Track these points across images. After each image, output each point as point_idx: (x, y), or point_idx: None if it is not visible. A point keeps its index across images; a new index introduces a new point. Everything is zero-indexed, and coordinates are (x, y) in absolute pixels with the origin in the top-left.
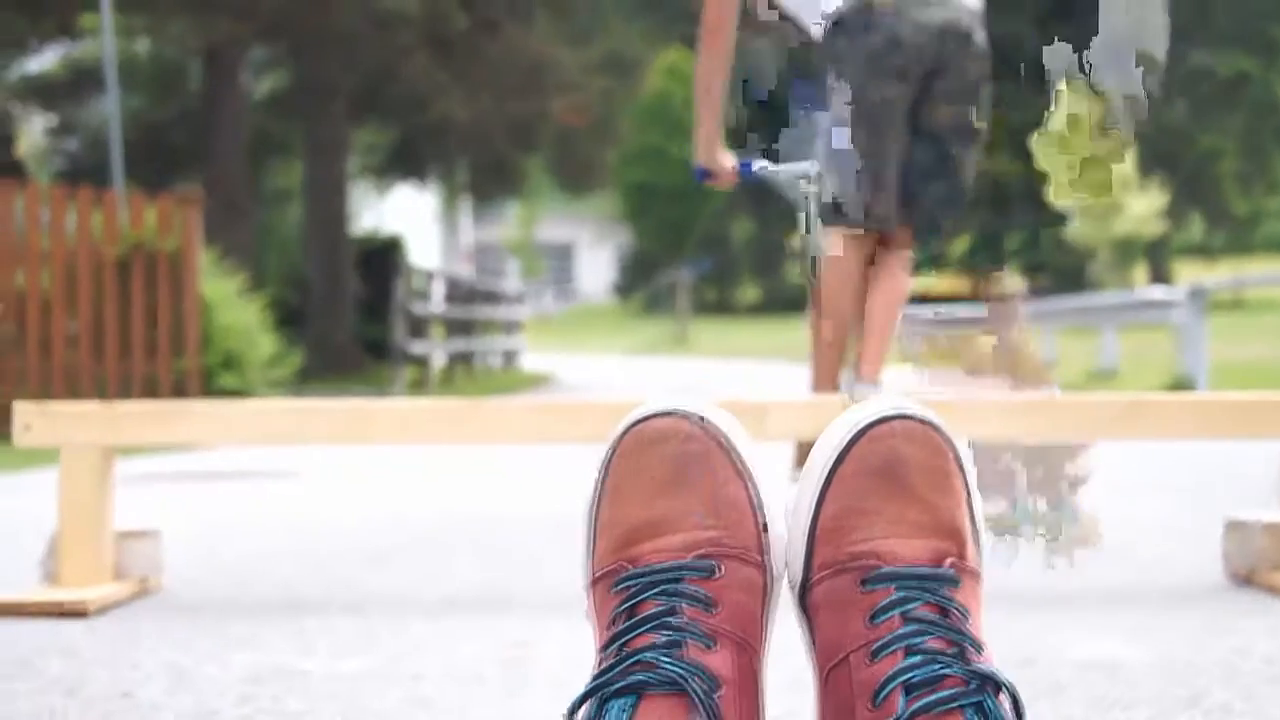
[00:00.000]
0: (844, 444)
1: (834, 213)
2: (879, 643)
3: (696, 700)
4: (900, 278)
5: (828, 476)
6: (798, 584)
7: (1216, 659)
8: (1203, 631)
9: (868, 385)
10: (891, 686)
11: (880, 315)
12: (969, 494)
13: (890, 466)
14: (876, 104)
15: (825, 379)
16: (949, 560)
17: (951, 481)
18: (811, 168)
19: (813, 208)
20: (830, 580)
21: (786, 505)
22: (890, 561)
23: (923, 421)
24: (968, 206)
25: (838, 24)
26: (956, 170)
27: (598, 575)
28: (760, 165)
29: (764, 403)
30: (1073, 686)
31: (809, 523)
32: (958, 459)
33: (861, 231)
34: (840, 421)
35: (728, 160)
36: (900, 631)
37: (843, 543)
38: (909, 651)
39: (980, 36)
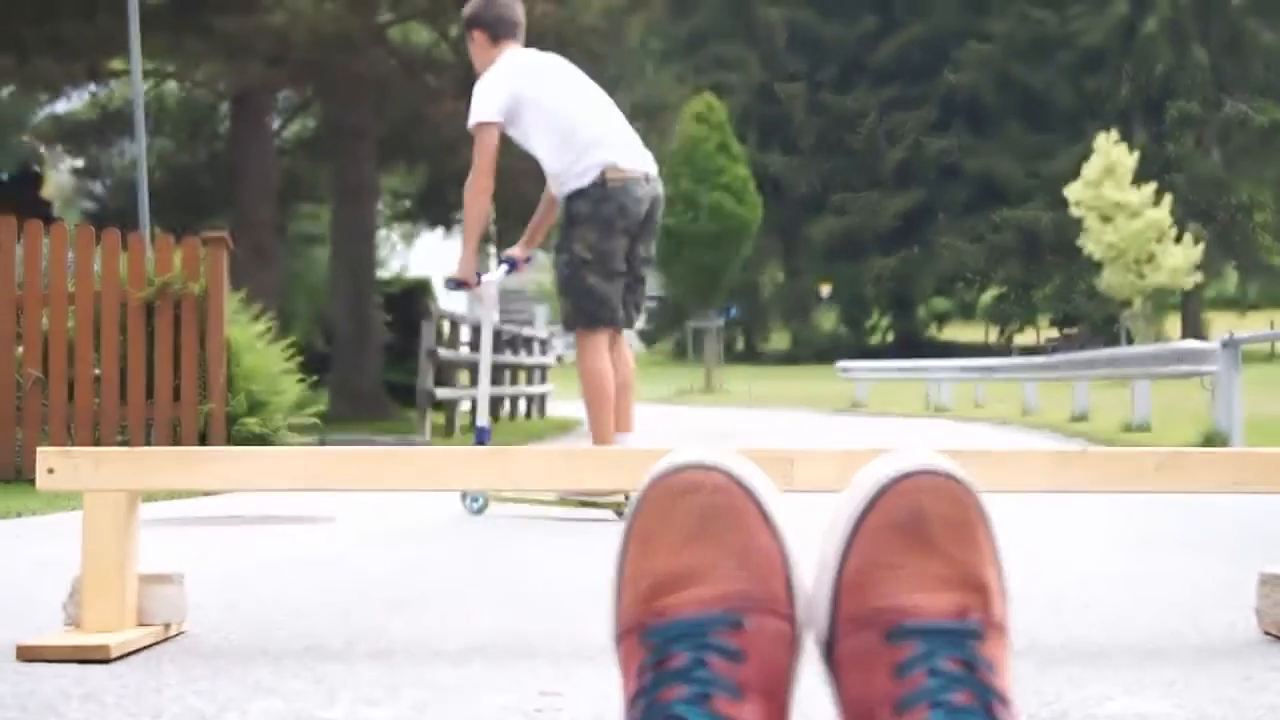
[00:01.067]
0: (869, 498)
1: (587, 319)
2: (904, 697)
3: None
4: (629, 354)
5: (852, 530)
6: (823, 639)
7: (1250, 715)
8: (1236, 688)
9: (627, 434)
10: None
11: (628, 382)
12: (993, 547)
13: (914, 520)
14: (611, 251)
15: (606, 434)
16: (974, 614)
17: (975, 535)
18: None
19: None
20: (855, 635)
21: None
22: (914, 616)
23: (947, 476)
24: (997, 256)
25: (580, 191)
26: (644, 285)
27: (626, 628)
28: (489, 277)
29: (791, 452)
30: None
31: (834, 577)
32: (981, 512)
33: (608, 329)
34: (864, 475)
35: (474, 274)
36: (926, 685)
37: (867, 597)
38: (934, 706)
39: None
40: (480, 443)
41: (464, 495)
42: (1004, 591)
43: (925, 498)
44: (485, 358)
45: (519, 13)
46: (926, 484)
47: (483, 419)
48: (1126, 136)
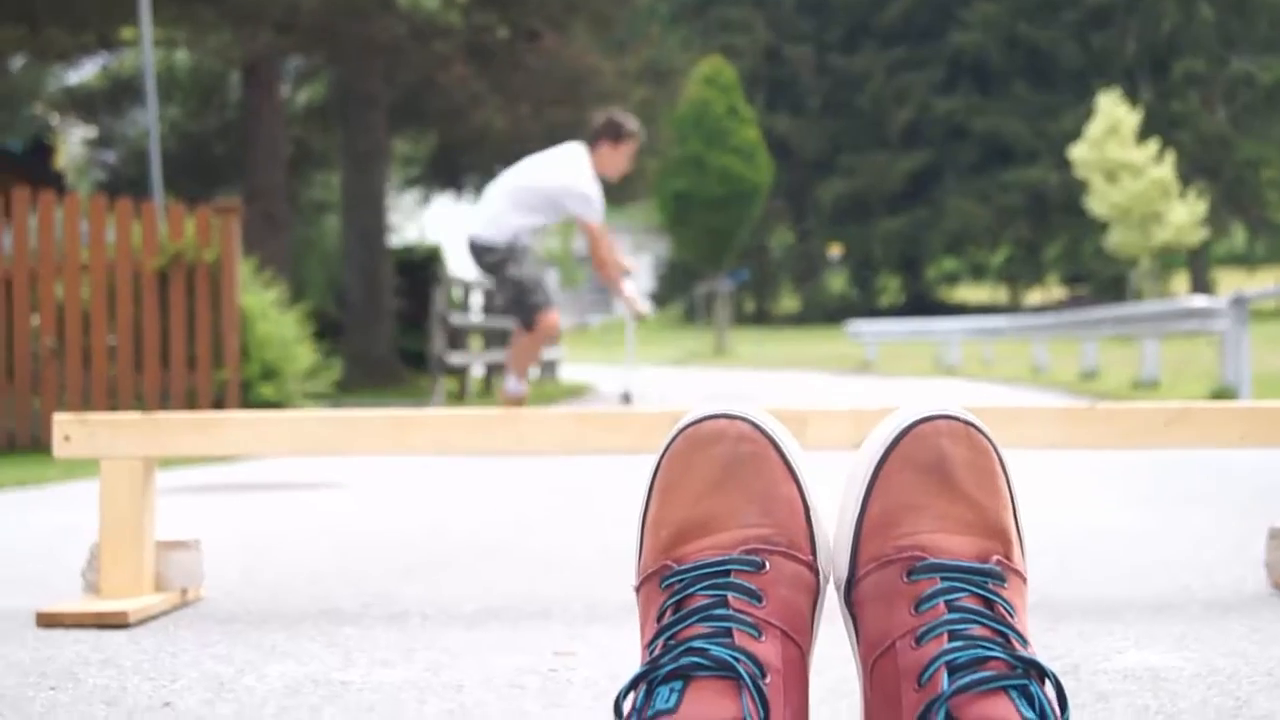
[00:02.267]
0: (890, 440)
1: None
2: (924, 628)
3: (746, 683)
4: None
5: (874, 473)
6: (844, 580)
7: (1260, 669)
8: (1245, 641)
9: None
10: (935, 666)
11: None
12: (1012, 496)
13: (937, 463)
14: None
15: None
16: (995, 557)
17: (997, 482)
18: None
19: None
20: (876, 573)
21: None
22: (936, 554)
23: (967, 423)
24: (1005, 216)
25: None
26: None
27: (646, 574)
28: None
29: (804, 411)
30: (1115, 696)
31: (855, 518)
32: (1001, 461)
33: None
34: (886, 421)
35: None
36: (946, 618)
37: (889, 536)
38: (953, 636)
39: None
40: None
41: None
42: (1022, 540)
43: (946, 441)
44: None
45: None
46: (946, 428)
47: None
48: (1132, 95)
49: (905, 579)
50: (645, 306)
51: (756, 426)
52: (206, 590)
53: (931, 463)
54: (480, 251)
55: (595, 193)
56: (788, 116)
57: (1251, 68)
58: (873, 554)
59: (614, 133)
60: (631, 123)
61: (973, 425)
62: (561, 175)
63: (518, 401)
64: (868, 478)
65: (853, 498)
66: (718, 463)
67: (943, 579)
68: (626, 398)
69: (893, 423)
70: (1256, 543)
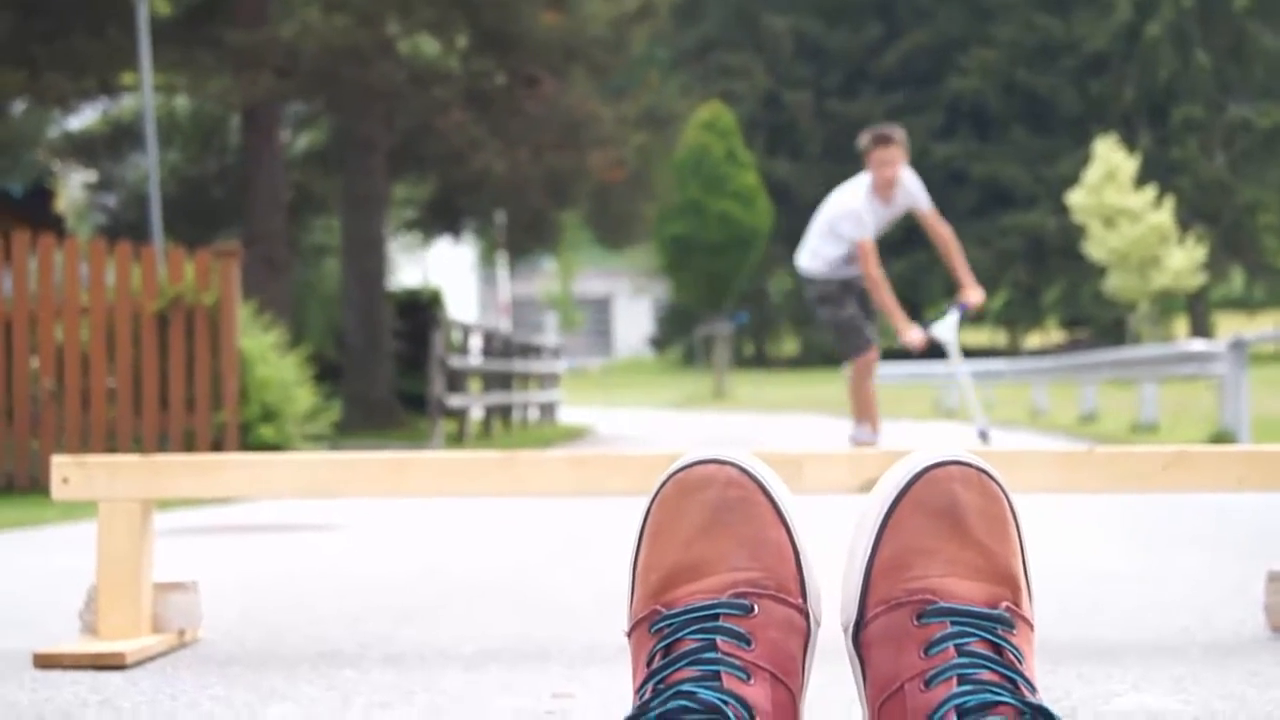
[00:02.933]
0: (903, 485)
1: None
2: (933, 671)
3: None
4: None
5: (886, 516)
6: (852, 622)
7: (1259, 712)
8: (1244, 685)
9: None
10: (944, 710)
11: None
12: (1022, 543)
13: (949, 509)
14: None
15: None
16: (1004, 604)
17: (1008, 529)
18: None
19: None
20: (886, 615)
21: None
22: (947, 599)
23: (979, 469)
24: (1005, 260)
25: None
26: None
27: (638, 619)
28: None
29: (800, 455)
30: None
31: (866, 561)
32: (1012, 508)
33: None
34: (898, 465)
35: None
36: (955, 661)
37: (900, 579)
38: (962, 680)
39: None
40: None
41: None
42: (1030, 588)
43: (959, 488)
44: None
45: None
46: (959, 474)
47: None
48: (1131, 141)
49: (915, 622)
50: (916, 337)
51: (745, 471)
52: (204, 632)
53: (943, 508)
54: (804, 284)
55: (860, 210)
56: (787, 161)
57: (1249, 113)
58: (883, 596)
59: (861, 148)
60: (867, 134)
61: (985, 472)
62: (834, 199)
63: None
64: (879, 521)
65: (864, 540)
66: (706, 508)
67: (953, 623)
68: (984, 436)
69: (906, 467)
70: (1255, 586)
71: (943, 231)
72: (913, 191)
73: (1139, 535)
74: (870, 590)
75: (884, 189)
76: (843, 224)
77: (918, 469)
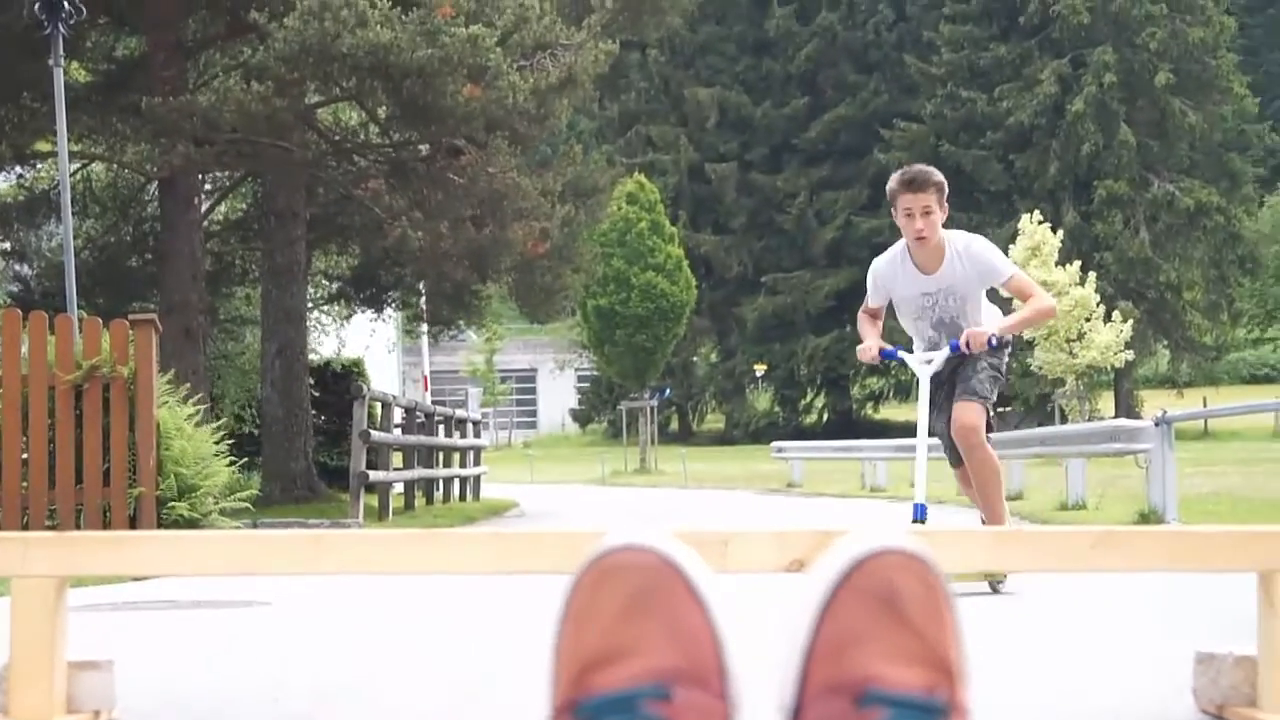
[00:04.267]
0: (843, 571)
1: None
2: None
3: None
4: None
5: (825, 602)
6: (789, 706)
7: None
8: None
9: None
10: None
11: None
12: (958, 629)
13: (888, 596)
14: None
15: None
16: (940, 692)
17: (943, 615)
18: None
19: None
20: (824, 701)
21: (780, 629)
22: (886, 685)
23: (918, 556)
24: None
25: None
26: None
27: (558, 707)
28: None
29: (726, 533)
30: None
31: (805, 645)
32: (948, 594)
33: None
34: (838, 549)
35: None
36: None
37: (839, 665)
38: None
39: None
40: (918, 519)
41: None
42: (966, 674)
43: (898, 575)
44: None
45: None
46: (899, 562)
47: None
48: (1055, 216)
49: (854, 707)
50: (869, 352)
51: (664, 557)
52: (119, 713)
53: (883, 595)
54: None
55: (879, 270)
56: (711, 234)
57: (1172, 190)
58: (820, 681)
59: (887, 195)
60: (894, 176)
61: (924, 559)
62: None
63: None
64: (818, 605)
65: (802, 624)
66: (625, 594)
67: (892, 710)
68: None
69: (846, 552)
70: (1184, 667)
71: (1038, 305)
72: (981, 258)
73: (1066, 615)
74: (808, 675)
75: (919, 251)
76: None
77: (858, 555)
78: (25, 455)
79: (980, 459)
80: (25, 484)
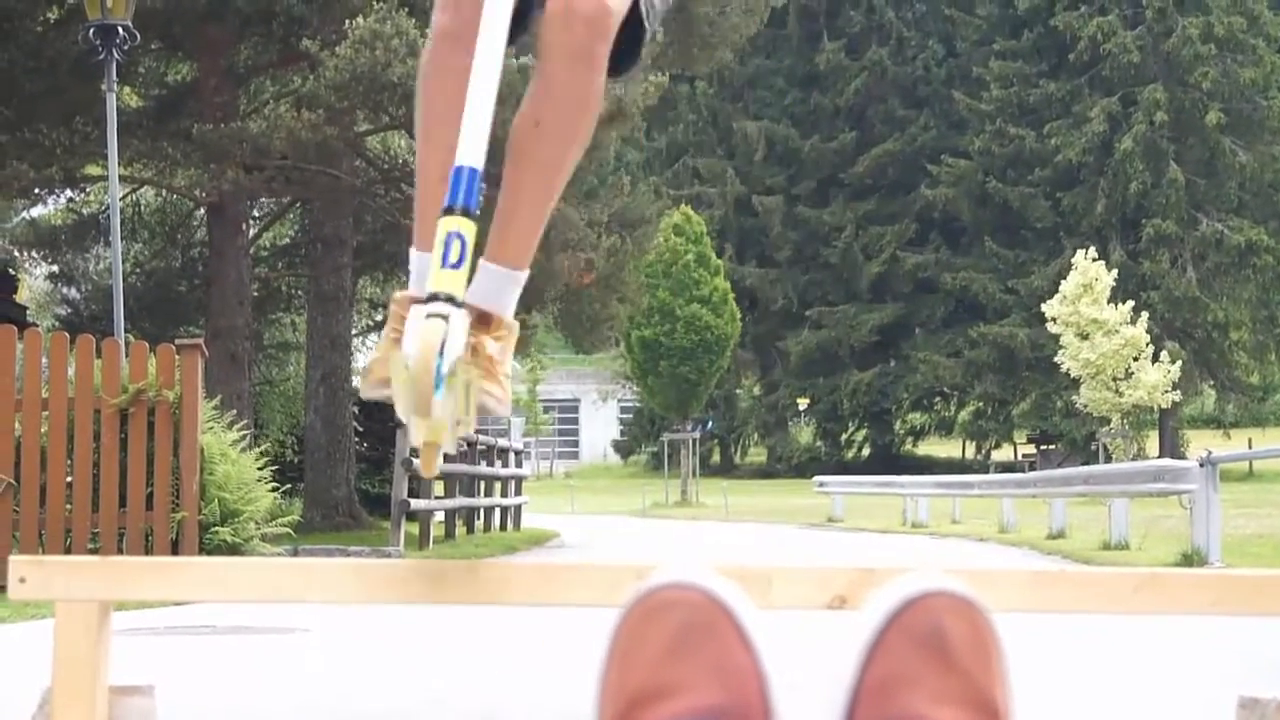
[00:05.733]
0: (891, 611)
1: None
2: None
3: None
4: None
5: (872, 642)
6: None
7: None
8: None
9: None
10: None
11: None
12: (1005, 672)
13: (936, 637)
14: None
15: None
16: None
17: (990, 658)
18: None
19: None
20: None
21: (826, 669)
22: None
23: (966, 598)
24: (974, 371)
25: None
26: None
27: None
28: None
29: (768, 569)
30: None
31: (852, 685)
32: (996, 637)
33: None
34: (887, 589)
35: None
36: None
37: (885, 706)
38: None
39: None
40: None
41: None
42: (1011, 717)
43: (946, 617)
44: None
45: None
46: (947, 604)
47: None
48: (1103, 254)
49: None
50: None
51: (708, 594)
52: None
53: (931, 636)
54: None
55: None
56: (757, 267)
57: (1221, 229)
58: None
59: None
60: None
61: (972, 601)
62: None
63: None
64: (866, 645)
65: (849, 664)
66: (671, 631)
67: None
68: None
69: (894, 593)
70: (1227, 713)
71: None
72: None
73: (1107, 657)
74: (854, 716)
75: None
76: None
77: (907, 596)
78: (69, 478)
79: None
80: (69, 507)
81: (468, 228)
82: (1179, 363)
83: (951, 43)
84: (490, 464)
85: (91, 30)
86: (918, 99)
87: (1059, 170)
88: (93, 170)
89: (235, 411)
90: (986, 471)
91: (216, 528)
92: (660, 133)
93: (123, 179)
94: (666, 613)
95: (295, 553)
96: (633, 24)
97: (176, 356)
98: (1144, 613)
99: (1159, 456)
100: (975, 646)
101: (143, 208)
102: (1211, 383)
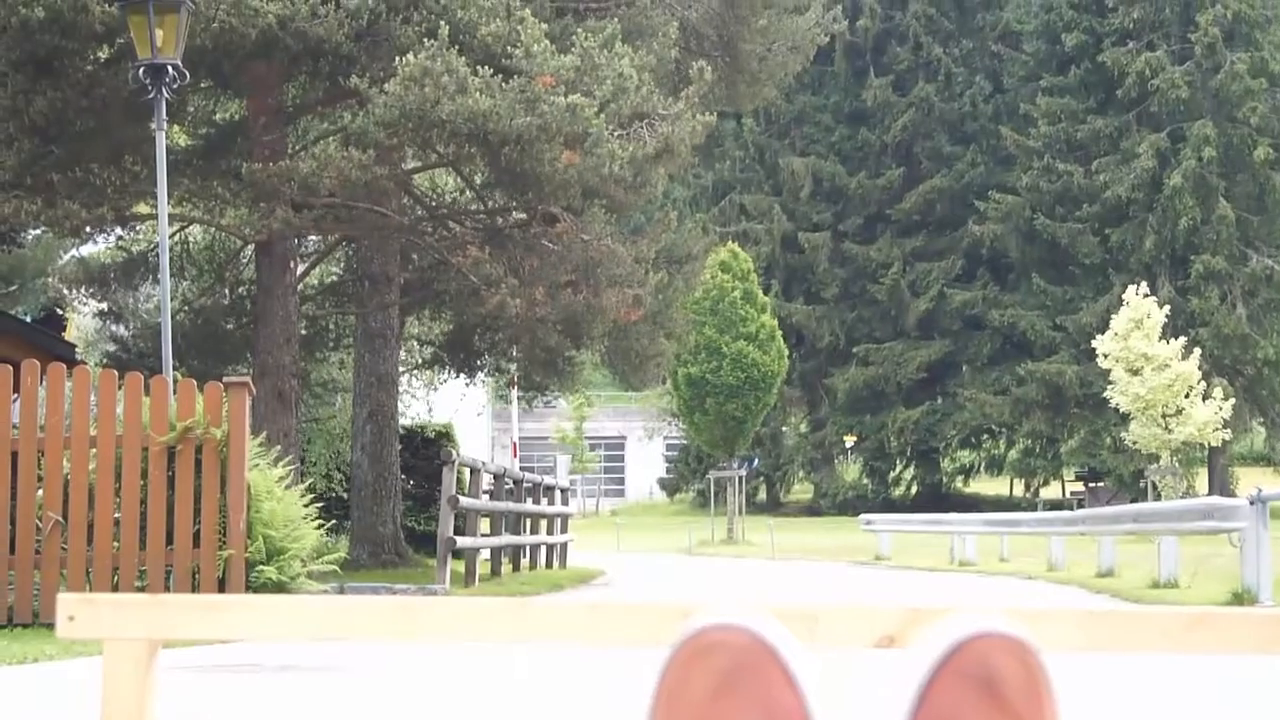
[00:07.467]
0: (944, 653)
1: None
2: None
3: None
4: None
5: (926, 682)
6: None
7: None
8: None
9: None
10: None
11: None
12: (1056, 714)
13: (989, 680)
14: None
15: None
16: None
17: (1043, 700)
18: None
19: None
20: None
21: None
22: None
23: (1019, 640)
24: (1022, 408)
25: None
26: None
27: None
28: None
29: (816, 608)
30: None
31: None
32: (1048, 679)
33: None
34: (939, 630)
35: None
36: None
37: None
38: None
39: None
40: None
41: None
42: None
43: (999, 658)
44: None
45: None
46: (1000, 645)
47: None
48: (1151, 290)
49: None
50: None
51: (754, 636)
52: None
53: (984, 679)
54: None
55: None
56: (803, 304)
57: (1271, 264)
58: None
59: None
60: None
61: (1025, 642)
62: None
63: None
64: (919, 687)
65: (900, 704)
66: (718, 672)
67: None
68: None
69: (946, 634)
70: None
71: None
72: None
73: (1158, 696)
74: None
75: None
76: None
77: (960, 638)
78: (117, 515)
79: None
80: (116, 544)
81: None
82: (1230, 400)
83: (998, 79)
84: (536, 501)
85: (141, 69)
86: (965, 135)
87: (1107, 206)
88: (142, 209)
89: (281, 449)
90: (1034, 509)
91: (262, 565)
92: (707, 169)
93: (172, 217)
94: (712, 654)
95: (341, 590)
96: None
97: (224, 394)
98: (1196, 652)
99: (1208, 494)
100: (1028, 688)
101: (191, 245)
102: (1261, 420)
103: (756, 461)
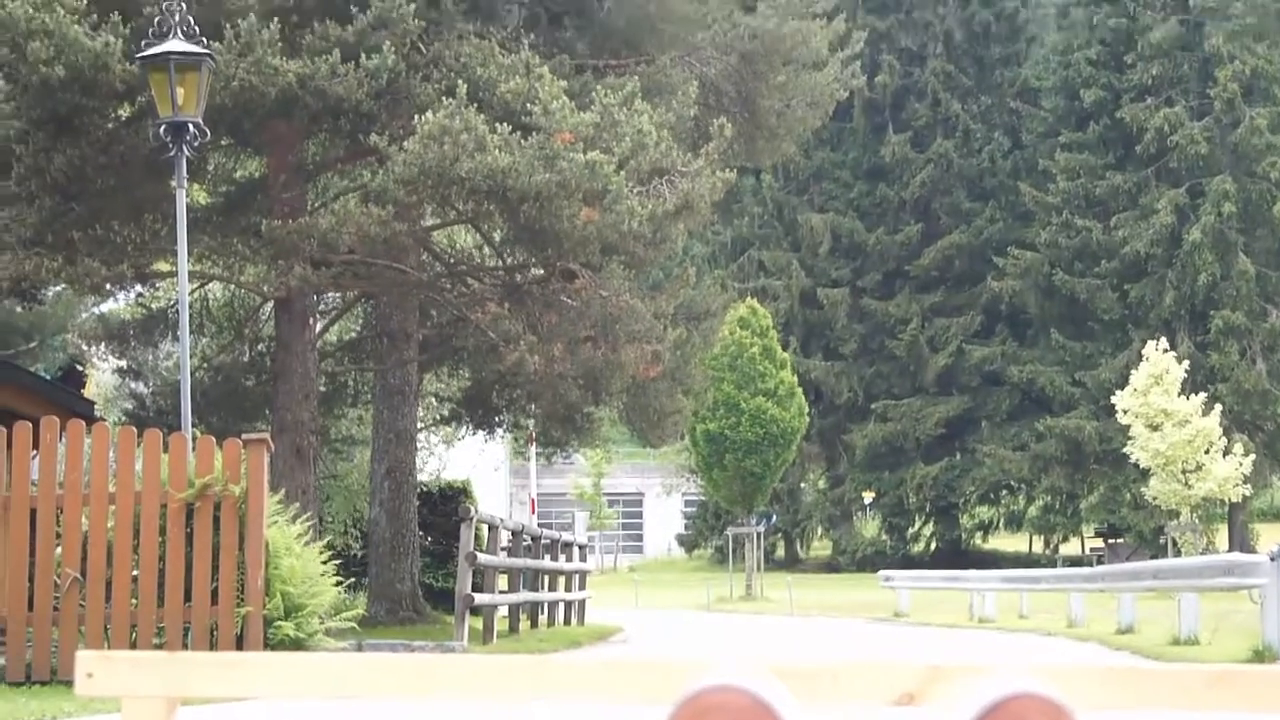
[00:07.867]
0: (981, 712)
1: None
2: None
3: None
4: None
5: None
6: None
7: None
8: None
9: None
10: None
11: None
12: None
13: None
14: None
15: None
16: None
17: None
18: None
19: None
20: None
21: None
22: None
23: (1051, 700)
24: (1041, 465)
25: None
26: None
27: None
28: None
29: (835, 665)
30: None
31: None
32: None
33: None
34: (976, 691)
35: None
36: None
37: None
38: None
39: None
40: None
41: None
42: None
43: (1032, 717)
44: None
45: None
46: (1033, 706)
47: None
48: (1171, 345)
49: None
50: None
51: (756, 697)
52: None
53: None
54: None
55: None
56: (822, 360)
57: None
58: None
59: None
60: None
61: (1058, 705)
62: None
63: None
64: None
65: None
66: None
67: None
68: None
69: (983, 694)
70: None
71: None
72: None
73: None
74: None
75: None
76: None
77: (996, 699)
78: (135, 572)
79: None
80: (134, 601)
81: None
82: (1250, 455)
83: (1017, 135)
84: (554, 558)
85: (162, 127)
86: (984, 191)
87: (1126, 262)
88: (162, 266)
89: (300, 505)
90: (1054, 565)
91: (281, 622)
92: (726, 225)
93: (192, 275)
94: (713, 715)
95: (359, 647)
96: None
97: (242, 451)
98: (1217, 710)
99: (1228, 550)
100: None
101: (210, 302)
102: None
103: (775, 518)
